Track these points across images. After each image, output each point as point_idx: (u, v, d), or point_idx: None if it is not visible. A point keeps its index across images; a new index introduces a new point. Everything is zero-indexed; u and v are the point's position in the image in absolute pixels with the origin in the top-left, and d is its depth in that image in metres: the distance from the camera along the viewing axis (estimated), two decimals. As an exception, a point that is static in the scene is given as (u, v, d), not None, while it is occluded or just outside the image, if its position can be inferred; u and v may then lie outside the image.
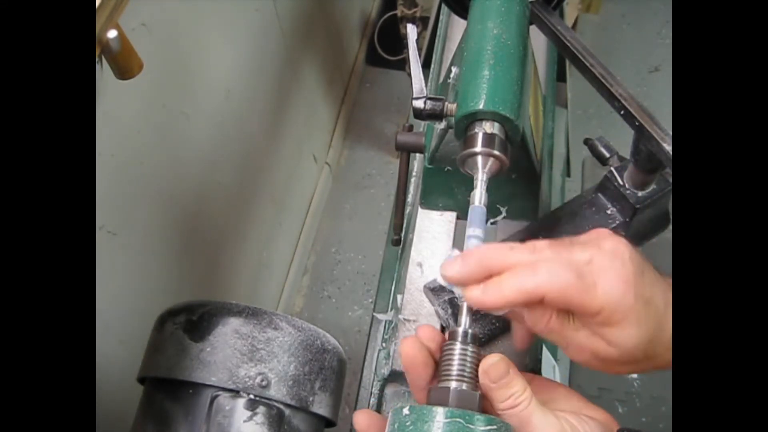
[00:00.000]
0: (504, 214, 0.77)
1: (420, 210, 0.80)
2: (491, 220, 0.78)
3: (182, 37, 1.07)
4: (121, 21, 0.76)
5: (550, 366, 0.84)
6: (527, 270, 0.46)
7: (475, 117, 0.54)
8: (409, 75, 0.61)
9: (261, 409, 0.66)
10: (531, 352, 0.71)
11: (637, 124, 0.58)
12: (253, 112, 1.43)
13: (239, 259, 1.47)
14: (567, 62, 1.11)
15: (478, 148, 0.53)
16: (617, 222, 0.71)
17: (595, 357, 0.48)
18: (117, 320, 0.98)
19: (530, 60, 0.70)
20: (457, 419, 0.41)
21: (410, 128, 0.81)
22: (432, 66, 0.93)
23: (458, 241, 0.78)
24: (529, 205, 0.76)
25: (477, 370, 0.46)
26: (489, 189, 0.53)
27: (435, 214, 0.80)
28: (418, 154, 0.99)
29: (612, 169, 0.70)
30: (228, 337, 0.68)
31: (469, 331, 0.47)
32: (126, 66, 0.79)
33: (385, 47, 2.18)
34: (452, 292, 0.68)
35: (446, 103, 0.58)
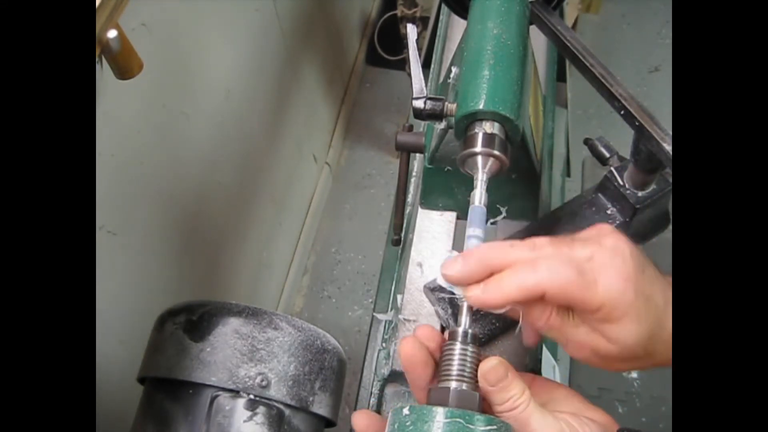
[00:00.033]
0: (504, 214, 0.77)
1: (420, 210, 0.80)
2: (491, 220, 0.78)
3: (182, 37, 1.07)
4: (121, 21, 0.76)
5: (550, 366, 0.84)
6: (528, 267, 0.46)
7: (475, 117, 0.54)
8: (409, 75, 0.61)
9: (261, 409, 0.66)
10: (531, 352, 0.71)
11: (637, 124, 0.58)
12: (253, 112, 1.43)
13: (239, 259, 1.47)
14: (567, 62, 1.12)
15: (478, 148, 0.53)
16: (617, 222, 0.71)
17: (595, 354, 0.48)
18: (117, 320, 0.98)
19: (530, 60, 0.70)
20: (457, 419, 0.41)
21: (410, 128, 0.81)
22: (432, 66, 0.93)
23: (458, 241, 0.78)
24: (529, 205, 0.76)
25: (477, 370, 0.46)
26: (489, 189, 0.53)
27: (435, 214, 0.80)
28: (418, 154, 0.99)
29: (612, 169, 0.70)
30: (228, 337, 0.68)
31: (469, 331, 0.47)
32: (126, 66, 0.79)
33: (385, 47, 2.18)
34: (452, 292, 0.68)
35: (446, 103, 0.58)
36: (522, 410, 0.45)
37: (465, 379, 0.45)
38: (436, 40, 0.97)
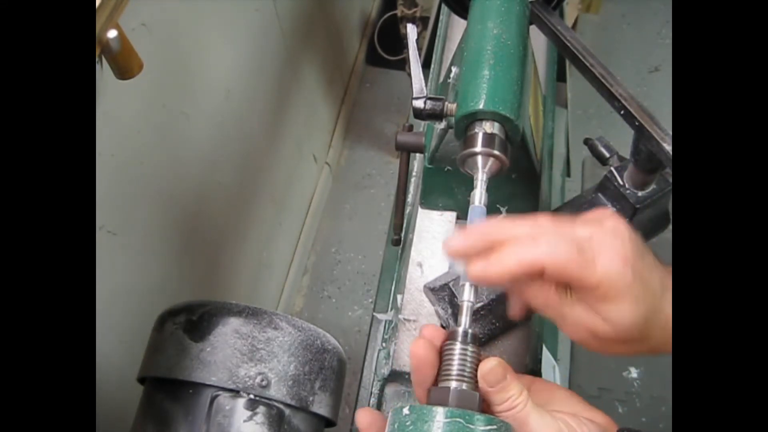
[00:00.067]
0: (504, 214, 0.77)
1: (420, 210, 0.80)
2: (491, 220, 0.78)
3: (182, 37, 1.07)
4: (121, 21, 0.76)
5: (550, 366, 0.84)
6: (528, 242, 0.46)
7: (475, 117, 0.54)
8: (409, 75, 0.61)
9: (261, 409, 0.66)
10: (531, 352, 0.71)
11: (637, 124, 0.58)
12: (253, 112, 1.43)
13: (239, 259, 1.47)
14: (567, 62, 1.12)
15: (478, 148, 0.53)
16: (617, 222, 0.71)
17: (591, 334, 0.48)
18: (117, 320, 0.98)
19: (530, 60, 0.70)
20: (457, 419, 0.41)
21: (410, 128, 0.81)
22: (432, 66, 0.93)
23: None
24: (529, 205, 0.76)
25: (477, 370, 0.46)
26: (489, 189, 0.53)
27: (435, 214, 0.80)
28: (418, 154, 0.99)
29: (612, 169, 0.70)
30: (228, 337, 0.68)
31: (469, 331, 0.47)
32: (126, 66, 0.79)
33: (385, 47, 2.18)
34: (452, 292, 0.68)
35: (446, 103, 0.58)
36: (520, 410, 0.45)
37: (465, 379, 0.45)
38: (436, 40, 0.97)
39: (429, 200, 0.79)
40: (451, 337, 0.47)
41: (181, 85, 1.10)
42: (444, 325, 0.71)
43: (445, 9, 1.03)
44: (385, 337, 0.84)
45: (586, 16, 2.40)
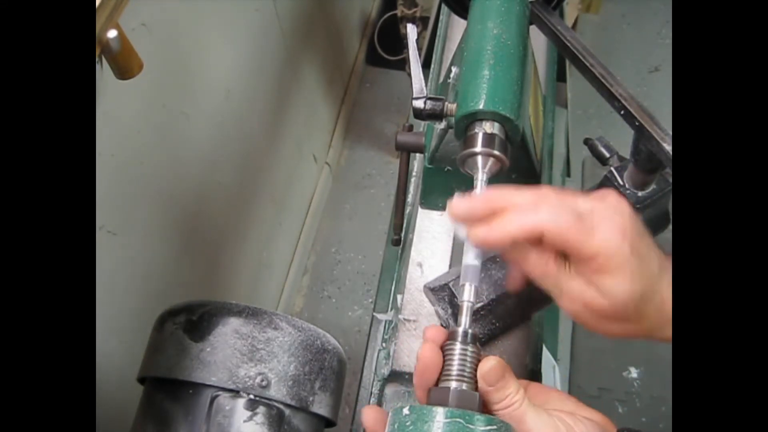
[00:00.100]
0: (504, 214, 0.77)
1: (420, 210, 0.80)
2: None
3: (182, 37, 1.07)
4: (121, 21, 0.76)
5: (550, 366, 0.84)
6: (530, 208, 0.47)
7: (475, 117, 0.54)
8: (409, 75, 0.61)
9: (261, 409, 0.66)
10: (531, 352, 0.71)
11: (637, 124, 0.58)
12: (253, 112, 1.43)
13: (239, 259, 1.47)
14: (567, 62, 1.12)
15: (478, 148, 0.53)
16: (617, 222, 0.71)
17: (587, 308, 0.49)
18: (117, 320, 0.98)
19: (530, 60, 0.70)
20: (457, 419, 0.41)
21: (410, 128, 0.81)
22: (432, 66, 0.93)
23: (458, 241, 0.78)
24: (529, 205, 0.76)
25: (477, 370, 0.46)
26: (489, 189, 0.53)
27: (435, 214, 0.80)
28: (418, 154, 0.99)
29: (612, 169, 0.70)
30: (228, 337, 0.68)
31: (469, 331, 0.47)
32: (126, 66, 0.79)
33: (385, 47, 2.18)
34: (452, 292, 0.68)
35: (446, 103, 0.58)
36: (517, 407, 0.45)
37: (465, 379, 0.45)
38: (436, 40, 0.97)
39: (429, 200, 0.79)
40: (451, 337, 0.47)
41: (181, 85, 1.10)
42: (444, 325, 0.71)
43: (445, 9, 1.03)
44: (385, 337, 0.84)
45: (586, 16, 2.40)
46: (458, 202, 0.49)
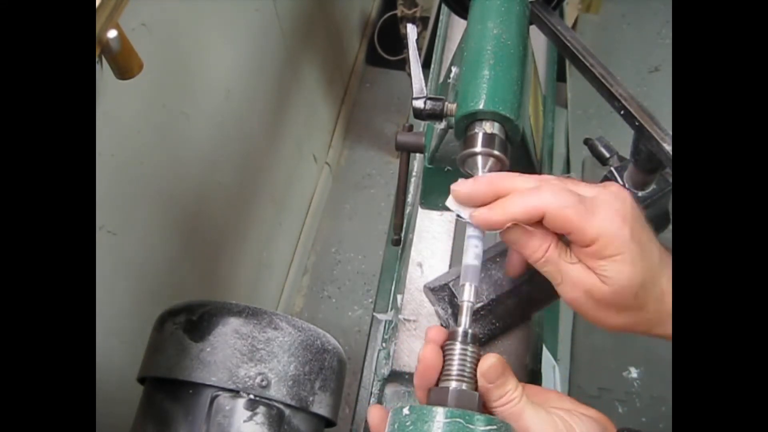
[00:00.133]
0: (504, 214, 0.77)
1: (420, 210, 0.80)
2: (491, 220, 0.78)
3: (182, 37, 1.07)
4: (121, 21, 0.76)
5: (550, 366, 0.84)
6: (532, 190, 0.48)
7: (475, 117, 0.54)
8: (409, 75, 0.61)
9: (261, 409, 0.66)
10: (531, 352, 0.71)
11: (637, 124, 0.58)
12: (253, 112, 1.43)
13: (239, 259, 1.47)
14: (567, 62, 1.11)
15: (478, 148, 0.53)
16: (617, 222, 0.71)
17: (588, 295, 0.49)
18: (117, 320, 0.98)
19: (530, 60, 0.70)
20: (457, 419, 0.41)
21: (410, 128, 0.81)
22: (432, 66, 0.93)
23: (458, 241, 0.78)
24: (529, 205, 0.76)
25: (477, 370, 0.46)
26: (489, 189, 0.53)
27: (435, 214, 0.80)
28: (418, 154, 0.99)
29: (612, 169, 0.70)
30: (228, 337, 0.68)
31: (469, 331, 0.47)
32: (126, 66, 0.79)
33: (385, 47, 2.18)
34: (452, 292, 0.68)
35: (446, 103, 0.58)
36: (516, 404, 0.46)
37: (465, 379, 0.45)
38: (436, 40, 0.97)
39: (429, 200, 0.79)
40: (451, 337, 0.47)
41: (181, 85, 1.10)
42: (444, 325, 0.71)
43: (445, 9, 1.03)
44: (385, 337, 0.84)
45: (586, 16, 2.40)
46: (461, 184, 0.50)
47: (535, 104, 0.78)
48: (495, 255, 0.67)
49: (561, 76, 1.14)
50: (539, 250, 0.49)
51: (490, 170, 0.53)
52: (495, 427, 0.42)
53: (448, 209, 0.79)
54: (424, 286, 0.73)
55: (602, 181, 0.71)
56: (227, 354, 0.67)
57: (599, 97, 0.60)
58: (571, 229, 0.47)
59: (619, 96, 0.59)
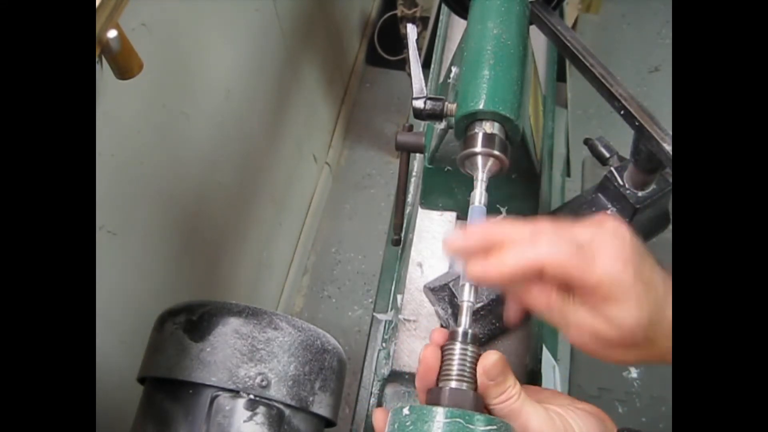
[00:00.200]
0: (504, 214, 0.77)
1: (420, 210, 0.80)
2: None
3: (182, 37, 1.07)
4: (121, 21, 0.76)
5: (550, 366, 0.84)
6: (528, 243, 0.47)
7: (475, 117, 0.54)
8: (409, 75, 0.61)
9: (261, 409, 0.66)
10: (531, 352, 0.71)
11: (637, 124, 0.58)
12: (253, 112, 1.43)
13: (239, 259, 1.47)
14: (567, 62, 1.12)
15: (478, 148, 0.53)
16: (617, 222, 0.71)
17: (595, 338, 0.48)
18: (117, 320, 0.98)
19: (530, 60, 0.70)
20: (457, 419, 0.41)
21: (410, 128, 0.81)
22: (432, 66, 0.93)
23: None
24: (529, 205, 0.76)
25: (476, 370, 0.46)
26: (489, 189, 0.53)
27: (435, 214, 0.80)
28: (418, 154, 0.99)
29: (612, 169, 0.70)
30: (228, 337, 0.68)
31: (469, 331, 0.47)
32: (126, 66, 0.79)
33: (385, 47, 2.18)
34: (452, 292, 0.68)
35: (446, 103, 0.58)
36: (515, 401, 0.46)
37: (465, 379, 0.45)
38: (436, 40, 0.97)
39: (429, 200, 0.79)
40: (451, 337, 0.47)
41: (181, 85, 1.10)
42: (444, 325, 0.71)
43: (445, 9, 1.03)
44: (385, 337, 0.84)
45: (586, 16, 2.40)
46: (454, 237, 0.48)
47: (535, 104, 0.78)
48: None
49: (561, 76, 1.14)
50: (540, 300, 0.48)
51: (490, 170, 0.53)
52: (495, 427, 0.42)
53: (448, 209, 0.80)
54: (424, 286, 0.73)
55: (602, 181, 0.71)
56: (227, 354, 0.67)
57: (599, 97, 0.60)
58: (572, 280, 0.46)
59: (619, 96, 0.59)
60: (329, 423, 0.74)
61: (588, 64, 0.61)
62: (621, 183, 0.69)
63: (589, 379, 1.53)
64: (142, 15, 0.91)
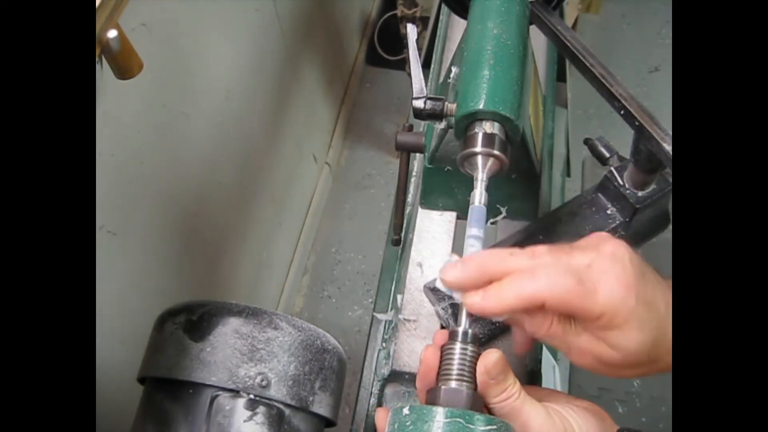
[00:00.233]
0: (504, 214, 0.77)
1: (420, 210, 0.80)
2: (491, 220, 0.78)
3: (182, 37, 1.07)
4: (121, 21, 0.75)
5: (550, 366, 0.84)
6: (527, 275, 0.46)
7: (475, 117, 0.54)
8: (409, 75, 0.61)
9: (261, 409, 0.66)
10: (531, 352, 0.71)
11: (637, 124, 0.58)
12: (253, 112, 1.43)
13: (239, 259, 1.47)
14: (567, 62, 1.11)
15: (478, 148, 0.53)
16: (617, 222, 0.71)
17: (599, 361, 0.48)
18: (117, 320, 0.98)
19: (530, 60, 0.70)
20: (457, 419, 0.41)
21: (410, 128, 0.81)
22: (432, 66, 0.93)
23: (458, 241, 0.78)
24: (529, 205, 0.76)
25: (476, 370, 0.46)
26: (489, 189, 0.53)
27: (435, 214, 0.80)
28: (418, 154, 0.99)
29: (612, 169, 0.70)
30: (228, 337, 0.68)
31: (469, 331, 0.47)
32: (126, 66, 0.79)
33: (385, 47, 2.18)
34: (452, 297, 0.68)
35: (446, 103, 0.58)
36: (515, 399, 0.46)
37: (465, 378, 0.45)
38: (436, 40, 0.97)
39: (429, 200, 0.79)
40: (451, 337, 0.47)
41: (181, 85, 1.10)
42: (444, 325, 0.71)
43: (445, 9, 1.03)
44: (385, 337, 0.84)
45: (586, 16, 2.40)
46: (450, 270, 0.47)
47: (535, 104, 0.78)
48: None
49: (561, 76, 1.14)
50: (542, 328, 0.48)
51: (490, 170, 0.53)
52: (495, 426, 0.42)
53: (448, 209, 0.80)
54: (424, 286, 0.73)
55: (602, 181, 0.71)
56: (227, 354, 0.67)
57: (599, 97, 0.60)
58: (574, 312, 0.46)
59: (619, 96, 0.59)
60: (329, 423, 0.74)
61: (588, 64, 0.61)
62: (621, 183, 0.69)
63: (589, 379, 1.53)
64: (142, 15, 0.91)
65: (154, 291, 1.08)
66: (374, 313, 0.90)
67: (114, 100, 0.87)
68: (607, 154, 0.73)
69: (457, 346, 0.46)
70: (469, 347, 0.46)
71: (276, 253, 1.72)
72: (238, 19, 1.31)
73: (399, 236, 0.94)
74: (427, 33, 1.45)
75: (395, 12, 1.92)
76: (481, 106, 0.53)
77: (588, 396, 0.50)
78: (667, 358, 0.48)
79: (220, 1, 1.18)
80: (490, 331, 0.69)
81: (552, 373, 0.86)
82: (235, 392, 0.66)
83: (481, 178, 0.53)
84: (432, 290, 0.71)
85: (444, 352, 0.47)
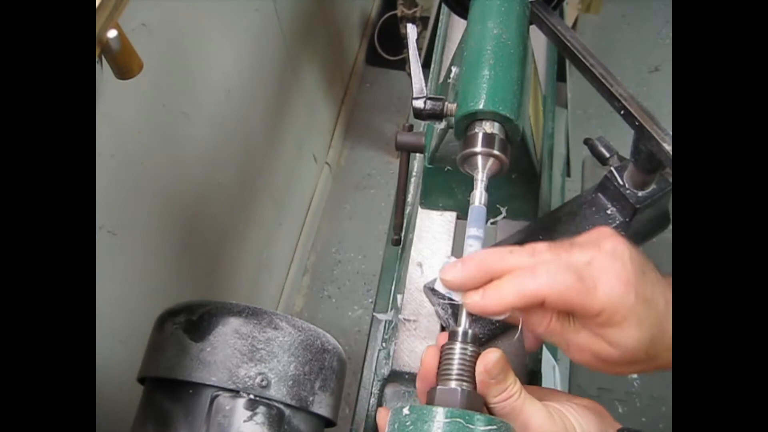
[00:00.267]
0: (504, 214, 0.77)
1: (420, 210, 0.80)
2: (491, 220, 0.78)
3: (182, 37, 1.07)
4: (121, 21, 0.75)
5: (550, 366, 0.84)
6: (527, 273, 0.46)
7: (475, 117, 0.54)
8: (409, 75, 0.61)
9: (261, 409, 0.66)
10: (531, 353, 0.71)
11: (637, 124, 0.58)
12: (253, 112, 1.43)
13: (239, 259, 1.47)
14: (567, 62, 1.11)
15: (478, 148, 0.53)
16: (617, 222, 0.71)
17: (597, 358, 0.48)
18: (117, 320, 0.98)
19: (530, 60, 0.70)
20: (457, 419, 0.41)
21: (410, 128, 0.81)
22: (432, 66, 0.93)
23: (458, 241, 0.78)
24: (529, 205, 0.76)
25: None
26: (489, 189, 0.53)
27: (435, 214, 0.80)
28: (418, 154, 0.99)
29: (612, 169, 0.70)
30: (228, 337, 0.68)
31: (469, 331, 0.47)
32: (126, 66, 0.78)
33: (385, 47, 2.18)
34: (452, 298, 0.68)
35: (446, 103, 0.58)
36: (516, 398, 0.46)
37: (465, 378, 0.45)
38: (436, 40, 0.97)
39: (429, 200, 0.79)
40: (451, 337, 0.47)
41: (181, 85, 1.10)
42: (444, 325, 0.71)
43: (445, 9, 1.03)
44: (385, 337, 0.84)
45: (586, 16, 2.40)
46: (450, 270, 0.47)
47: (535, 104, 0.78)
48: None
49: (561, 76, 1.14)
50: (541, 325, 0.48)
51: (490, 170, 0.53)
52: (495, 426, 0.42)
53: (448, 209, 0.80)
54: (424, 286, 0.73)
55: (602, 181, 0.71)
56: (227, 354, 0.67)
57: (599, 97, 0.60)
58: (573, 309, 0.46)
59: (619, 96, 0.59)
60: (329, 423, 0.74)
61: (588, 64, 0.61)
62: (621, 183, 0.69)
63: (589, 379, 1.53)
64: (142, 15, 0.91)
65: (154, 291, 1.08)
66: (374, 313, 0.90)
67: (114, 100, 0.87)
68: (607, 154, 0.73)
69: (457, 346, 0.46)
70: (469, 347, 0.46)
71: (276, 253, 1.72)
72: (238, 19, 1.31)
73: (399, 236, 0.94)
74: (427, 33, 1.45)
75: (395, 12, 1.92)
76: (481, 106, 0.53)
77: (588, 396, 0.50)
78: (665, 356, 0.48)
79: (220, 1, 1.18)
80: (490, 331, 0.69)
81: (552, 373, 0.86)
82: (235, 392, 0.66)
83: (481, 178, 0.53)
84: (432, 290, 0.71)
85: (444, 352, 0.47)
